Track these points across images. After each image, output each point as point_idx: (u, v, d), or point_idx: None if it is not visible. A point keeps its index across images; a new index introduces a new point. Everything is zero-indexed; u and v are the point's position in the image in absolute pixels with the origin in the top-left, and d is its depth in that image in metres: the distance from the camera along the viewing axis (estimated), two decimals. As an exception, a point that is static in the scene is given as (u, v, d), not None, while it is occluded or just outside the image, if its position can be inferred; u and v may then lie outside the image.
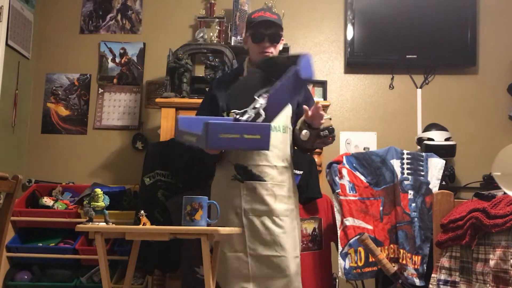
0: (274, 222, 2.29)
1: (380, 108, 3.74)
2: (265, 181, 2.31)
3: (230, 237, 2.32)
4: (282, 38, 2.47)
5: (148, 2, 3.89)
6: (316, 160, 3.03)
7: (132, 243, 2.26)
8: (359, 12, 3.70)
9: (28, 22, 3.70)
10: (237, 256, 2.29)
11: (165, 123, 3.17)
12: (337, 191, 2.63)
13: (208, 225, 2.07)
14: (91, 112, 3.79)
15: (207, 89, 3.31)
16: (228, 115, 2.35)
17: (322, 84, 3.61)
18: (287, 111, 2.39)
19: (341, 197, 2.62)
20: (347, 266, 2.56)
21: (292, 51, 3.66)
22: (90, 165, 3.71)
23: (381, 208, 2.64)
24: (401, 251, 2.58)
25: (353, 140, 3.69)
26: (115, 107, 3.77)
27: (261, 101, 2.12)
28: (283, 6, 3.72)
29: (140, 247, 2.27)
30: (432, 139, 3.34)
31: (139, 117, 3.75)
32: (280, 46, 2.49)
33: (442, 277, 2.26)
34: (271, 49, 2.42)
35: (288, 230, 2.31)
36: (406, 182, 2.68)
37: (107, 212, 2.11)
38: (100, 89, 3.80)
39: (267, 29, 2.40)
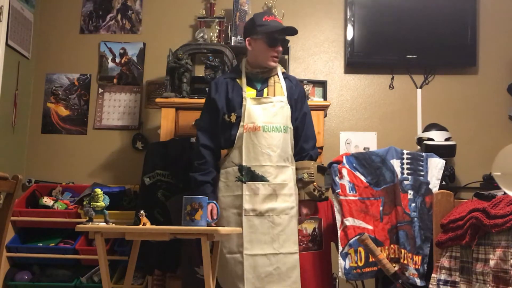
0: (273, 221, 2.36)
1: (380, 108, 3.74)
2: (268, 181, 2.38)
3: (229, 237, 2.34)
4: None
5: (148, 2, 3.89)
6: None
7: (132, 243, 2.26)
8: (359, 12, 3.70)
9: (28, 22, 3.70)
10: (233, 257, 2.35)
11: (165, 123, 3.17)
12: (337, 191, 2.63)
13: (208, 225, 2.08)
14: (91, 112, 3.78)
15: (207, 89, 3.32)
16: (229, 117, 2.47)
17: (322, 84, 3.62)
18: (286, 111, 2.49)
19: (341, 197, 2.62)
20: (347, 266, 2.56)
21: (292, 51, 3.68)
22: (90, 165, 3.71)
23: (381, 208, 2.64)
24: (402, 251, 2.58)
25: (353, 140, 3.69)
26: (115, 107, 3.77)
27: None
28: (283, 6, 3.72)
29: (140, 247, 2.27)
30: (432, 139, 3.33)
31: (139, 117, 3.75)
32: None
33: (442, 277, 2.26)
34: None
35: (287, 228, 2.38)
36: (406, 182, 2.67)
37: (107, 212, 2.12)
38: (100, 89, 3.80)
39: (280, 35, 2.55)
